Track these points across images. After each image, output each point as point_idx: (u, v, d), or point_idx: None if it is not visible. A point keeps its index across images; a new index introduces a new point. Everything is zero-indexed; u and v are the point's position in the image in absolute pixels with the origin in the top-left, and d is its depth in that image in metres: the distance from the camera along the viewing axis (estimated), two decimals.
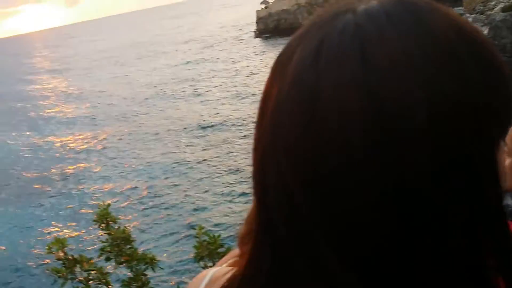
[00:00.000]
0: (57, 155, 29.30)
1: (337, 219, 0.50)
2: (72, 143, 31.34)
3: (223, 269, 0.75)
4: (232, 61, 51.58)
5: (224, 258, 0.91)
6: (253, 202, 0.62)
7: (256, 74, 41.61)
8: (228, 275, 0.69)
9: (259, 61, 47.55)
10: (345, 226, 0.50)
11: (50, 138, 34.19)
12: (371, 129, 0.46)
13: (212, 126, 28.04)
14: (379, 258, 0.49)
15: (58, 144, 31.81)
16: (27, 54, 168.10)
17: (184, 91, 41.05)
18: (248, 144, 22.46)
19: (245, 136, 24.15)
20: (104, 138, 30.64)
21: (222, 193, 18.37)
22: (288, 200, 0.52)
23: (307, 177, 0.50)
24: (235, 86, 38.10)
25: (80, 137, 32.40)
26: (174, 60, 63.25)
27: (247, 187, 17.70)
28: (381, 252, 0.49)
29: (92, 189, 22.19)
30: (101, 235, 4.79)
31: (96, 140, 30.55)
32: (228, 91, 36.97)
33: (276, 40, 58.95)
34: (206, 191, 18.86)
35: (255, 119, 0.59)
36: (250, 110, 29.03)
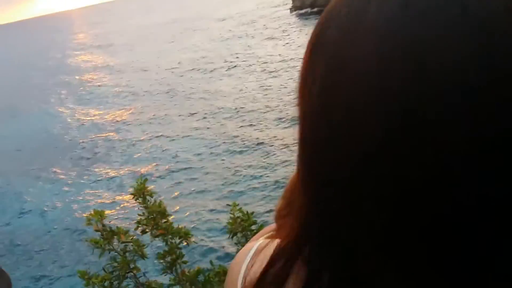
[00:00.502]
0: (105, 127, 31.61)
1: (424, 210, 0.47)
2: (119, 116, 33.56)
3: (264, 241, 0.78)
4: (266, 38, 52.19)
5: (259, 233, 0.96)
6: (297, 177, 0.62)
7: (289, 51, 42.39)
8: (272, 246, 0.71)
9: (294, 38, 47.08)
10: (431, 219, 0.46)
11: (97, 111, 36.61)
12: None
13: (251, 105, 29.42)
14: (458, 252, 0.47)
15: (107, 117, 34.13)
16: (69, 31, 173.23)
17: (221, 67, 42.47)
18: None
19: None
20: (149, 111, 32.71)
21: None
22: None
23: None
24: (269, 63, 39.12)
25: (127, 110, 34.56)
26: (211, 36, 64.61)
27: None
28: (460, 244, 0.46)
29: (135, 160, 24.12)
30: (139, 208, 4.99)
31: (142, 113, 32.65)
32: (265, 69, 38.11)
33: (312, 17, 59.36)
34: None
35: (296, 104, 0.58)
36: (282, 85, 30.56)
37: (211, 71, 41.86)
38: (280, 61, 39.50)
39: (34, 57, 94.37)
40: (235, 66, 41.98)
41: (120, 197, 18.96)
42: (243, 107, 28.40)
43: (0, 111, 43.27)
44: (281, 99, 27.91)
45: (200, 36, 68.77)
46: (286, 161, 18.75)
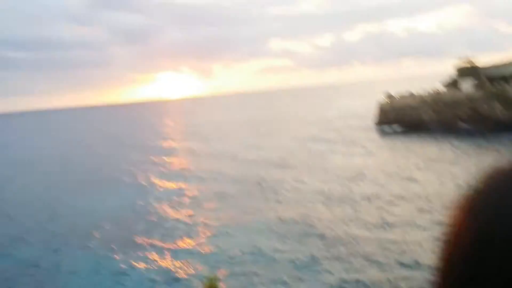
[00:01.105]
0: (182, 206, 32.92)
1: None
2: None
3: None
4: (347, 153, 52.49)
5: None
6: None
7: (367, 167, 42.32)
8: None
9: (373, 154, 47.43)
10: None
11: (181, 187, 38.55)
12: None
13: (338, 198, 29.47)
14: None
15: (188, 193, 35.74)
16: (164, 117, 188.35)
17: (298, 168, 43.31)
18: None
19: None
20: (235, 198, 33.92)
21: None
22: None
23: None
24: (346, 170, 39.14)
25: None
26: (295, 137, 66.69)
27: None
28: None
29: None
30: None
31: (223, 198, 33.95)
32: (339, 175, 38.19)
33: (396, 135, 59.67)
34: None
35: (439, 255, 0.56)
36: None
37: (285, 168, 42.84)
38: (355, 171, 39.61)
39: (130, 137, 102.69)
40: (312, 169, 42.65)
41: None
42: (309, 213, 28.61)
43: (93, 183, 46.91)
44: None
45: (284, 136, 71.34)
46: None
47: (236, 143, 68.41)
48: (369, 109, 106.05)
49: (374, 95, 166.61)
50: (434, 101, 60.82)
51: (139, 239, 25.74)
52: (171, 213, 31.61)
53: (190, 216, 30.26)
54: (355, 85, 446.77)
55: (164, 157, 60.82)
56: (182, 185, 41.11)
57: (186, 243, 24.86)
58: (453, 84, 67.53)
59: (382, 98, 75.68)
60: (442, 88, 70.31)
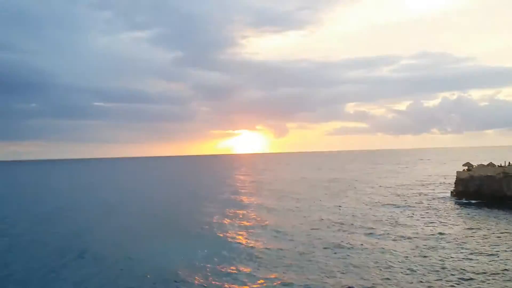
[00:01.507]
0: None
1: None
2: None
3: None
4: (422, 221, 51.36)
5: None
6: None
7: (444, 238, 41.38)
8: None
9: (450, 226, 46.14)
10: None
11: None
12: None
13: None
14: None
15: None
16: (239, 170, 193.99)
17: (369, 231, 43.25)
18: None
19: None
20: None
21: None
22: None
23: None
24: (416, 239, 38.71)
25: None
26: (364, 201, 66.28)
27: None
28: None
29: None
30: None
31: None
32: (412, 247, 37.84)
33: (474, 208, 57.26)
34: None
35: None
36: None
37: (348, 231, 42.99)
38: (425, 239, 39.12)
39: (205, 188, 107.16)
40: (378, 234, 42.61)
41: None
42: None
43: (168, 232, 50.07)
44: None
45: (350, 199, 71.28)
46: None
47: (307, 203, 69.43)
48: (447, 177, 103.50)
49: (452, 164, 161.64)
50: None
51: None
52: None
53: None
54: (433, 153, 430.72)
55: (238, 211, 63.12)
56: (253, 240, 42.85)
57: None
58: None
59: (461, 167, 73.79)
60: None
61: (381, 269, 30.35)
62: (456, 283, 26.98)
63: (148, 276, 30.65)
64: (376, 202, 66.66)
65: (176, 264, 33.43)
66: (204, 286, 28.22)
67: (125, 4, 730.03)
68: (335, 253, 35.74)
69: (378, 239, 40.77)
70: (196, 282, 29.08)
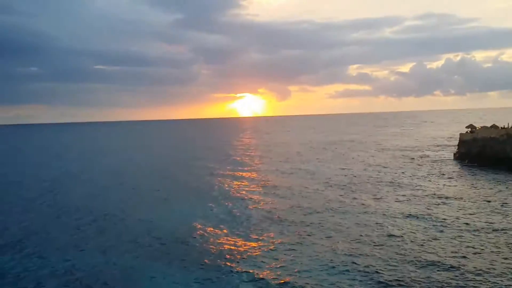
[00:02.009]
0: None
1: None
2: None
3: None
4: (424, 180, 53.08)
5: None
6: None
7: (445, 199, 42.60)
8: None
9: (452, 187, 47.12)
10: None
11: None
12: None
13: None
14: None
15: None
16: (243, 133, 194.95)
17: (372, 193, 44.49)
18: None
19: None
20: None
21: None
22: None
23: None
24: (419, 205, 39.91)
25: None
26: (368, 163, 67.50)
27: None
28: None
29: None
30: None
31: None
32: (412, 210, 39.04)
33: (476, 169, 58.19)
34: None
35: None
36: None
37: (355, 191, 44.25)
38: (426, 199, 40.31)
39: (212, 152, 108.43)
40: (380, 195, 43.96)
41: None
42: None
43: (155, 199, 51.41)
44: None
45: (355, 161, 72.37)
46: None
47: (312, 164, 70.65)
48: (450, 139, 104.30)
49: (455, 126, 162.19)
50: None
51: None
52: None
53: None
54: (435, 115, 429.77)
55: (246, 174, 64.43)
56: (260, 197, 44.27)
57: None
58: None
59: (464, 129, 74.39)
60: None
61: (381, 229, 31.57)
62: (454, 242, 28.12)
63: (164, 236, 31.90)
64: (379, 164, 67.89)
65: (189, 225, 34.70)
66: (216, 245, 29.53)
67: None
68: (338, 214, 36.94)
69: (380, 199, 42.09)
70: (210, 240, 30.39)
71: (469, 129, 71.25)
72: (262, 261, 25.68)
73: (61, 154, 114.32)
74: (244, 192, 48.87)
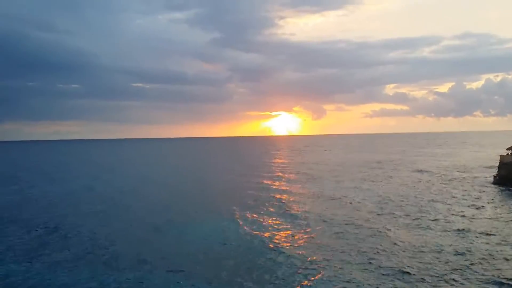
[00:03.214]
0: None
1: None
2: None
3: None
4: (461, 206, 51.48)
5: None
6: None
7: (485, 227, 41.53)
8: None
9: (492, 213, 44.71)
10: None
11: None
12: None
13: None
14: None
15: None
16: (275, 152, 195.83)
17: (407, 215, 43.72)
18: None
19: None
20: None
21: None
22: None
23: None
24: (452, 223, 38.97)
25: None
26: (403, 183, 66.43)
27: None
28: None
29: None
30: None
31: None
32: (449, 230, 38.17)
33: None
34: None
35: None
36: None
37: (394, 216, 43.61)
38: (463, 224, 39.25)
39: (245, 170, 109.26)
40: (416, 218, 43.12)
41: None
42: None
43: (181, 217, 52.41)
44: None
45: (392, 180, 71.33)
46: None
47: (346, 187, 70.15)
48: (490, 161, 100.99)
49: (495, 147, 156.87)
50: None
51: None
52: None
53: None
54: (475, 136, 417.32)
55: (276, 195, 64.68)
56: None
57: None
58: None
59: (504, 151, 72.13)
60: None
61: (413, 255, 31.06)
62: (486, 276, 27.38)
63: (186, 252, 32.61)
64: (415, 187, 66.55)
65: (212, 242, 35.26)
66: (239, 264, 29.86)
67: None
68: (370, 237, 36.51)
69: (415, 225, 41.11)
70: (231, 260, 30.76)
71: (510, 151, 69.07)
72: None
73: (112, 168, 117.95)
74: (272, 213, 49.12)
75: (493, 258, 28.59)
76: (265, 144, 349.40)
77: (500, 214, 43.96)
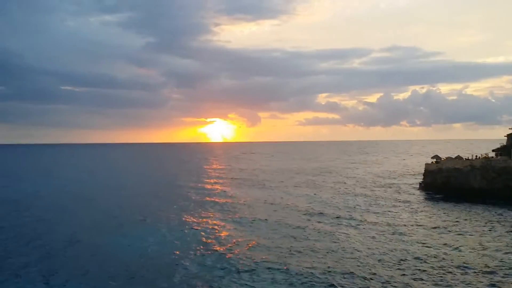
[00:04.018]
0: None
1: None
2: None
3: None
4: (388, 210, 52.36)
5: None
6: None
7: (408, 228, 42.50)
8: None
9: (416, 216, 46.98)
10: None
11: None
12: None
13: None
14: None
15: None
16: (209, 159, 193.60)
17: (338, 219, 43.78)
18: None
19: None
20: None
21: None
22: None
23: None
24: (384, 231, 39.52)
25: None
26: (336, 189, 67.40)
27: None
28: None
29: None
30: None
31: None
32: (376, 232, 38.57)
33: (440, 200, 58.87)
34: None
35: None
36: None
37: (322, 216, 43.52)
38: (390, 228, 39.90)
39: (178, 177, 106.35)
40: (347, 218, 43.60)
41: None
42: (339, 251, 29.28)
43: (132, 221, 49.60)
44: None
45: (324, 189, 72.04)
46: None
47: (279, 191, 69.81)
48: (416, 169, 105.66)
49: (420, 156, 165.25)
50: (484, 167, 59.88)
51: None
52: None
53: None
54: (402, 144, 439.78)
55: (209, 199, 63.00)
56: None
57: None
58: (504, 151, 66.51)
59: (429, 159, 75.28)
60: (492, 155, 69.24)
61: (342, 254, 31.02)
62: (413, 275, 27.46)
63: (121, 262, 30.52)
64: (346, 192, 67.91)
65: (146, 252, 33.31)
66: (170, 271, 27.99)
67: None
68: (302, 238, 36.30)
69: (345, 226, 41.76)
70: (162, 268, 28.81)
71: (435, 160, 72.11)
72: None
73: (25, 175, 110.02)
74: (205, 218, 47.49)
75: (409, 256, 29.03)
76: (201, 151, 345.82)
77: (422, 218, 45.73)
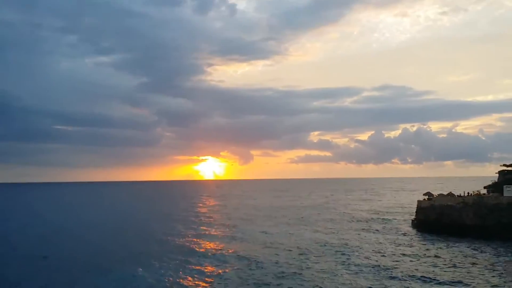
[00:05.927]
0: None
1: None
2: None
3: None
4: (380, 247, 51.99)
5: None
6: None
7: (401, 264, 41.64)
8: None
9: (408, 252, 46.71)
10: None
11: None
12: None
13: None
14: None
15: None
16: (201, 196, 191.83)
17: (335, 260, 42.81)
18: None
19: None
20: None
21: None
22: None
23: None
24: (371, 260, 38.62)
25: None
26: (322, 229, 66.21)
27: None
28: None
29: None
30: None
31: None
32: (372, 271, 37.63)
33: (433, 236, 58.39)
34: None
35: None
36: None
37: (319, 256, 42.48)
38: (383, 265, 38.95)
39: (170, 214, 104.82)
40: (339, 259, 42.46)
41: None
42: None
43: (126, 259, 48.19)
44: None
45: (311, 225, 70.97)
46: None
47: (270, 229, 68.68)
48: (408, 206, 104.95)
49: (413, 193, 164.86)
50: (476, 204, 59.48)
51: None
52: None
53: None
54: (394, 182, 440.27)
55: (197, 239, 61.73)
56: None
57: None
58: (495, 188, 66.32)
59: (421, 197, 74.92)
60: (484, 192, 69.01)
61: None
62: None
63: None
64: (338, 228, 67.12)
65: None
66: None
67: (90, 28, 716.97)
68: (293, 277, 35.35)
69: (336, 263, 40.96)
70: None
71: (427, 197, 71.68)
72: None
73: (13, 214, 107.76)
74: (191, 255, 46.33)
75: None
76: (193, 189, 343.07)
77: (413, 252, 45.62)
